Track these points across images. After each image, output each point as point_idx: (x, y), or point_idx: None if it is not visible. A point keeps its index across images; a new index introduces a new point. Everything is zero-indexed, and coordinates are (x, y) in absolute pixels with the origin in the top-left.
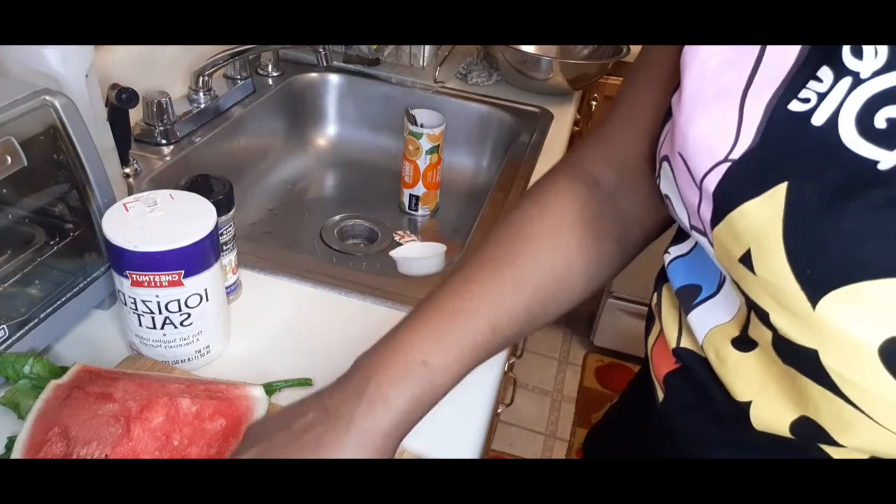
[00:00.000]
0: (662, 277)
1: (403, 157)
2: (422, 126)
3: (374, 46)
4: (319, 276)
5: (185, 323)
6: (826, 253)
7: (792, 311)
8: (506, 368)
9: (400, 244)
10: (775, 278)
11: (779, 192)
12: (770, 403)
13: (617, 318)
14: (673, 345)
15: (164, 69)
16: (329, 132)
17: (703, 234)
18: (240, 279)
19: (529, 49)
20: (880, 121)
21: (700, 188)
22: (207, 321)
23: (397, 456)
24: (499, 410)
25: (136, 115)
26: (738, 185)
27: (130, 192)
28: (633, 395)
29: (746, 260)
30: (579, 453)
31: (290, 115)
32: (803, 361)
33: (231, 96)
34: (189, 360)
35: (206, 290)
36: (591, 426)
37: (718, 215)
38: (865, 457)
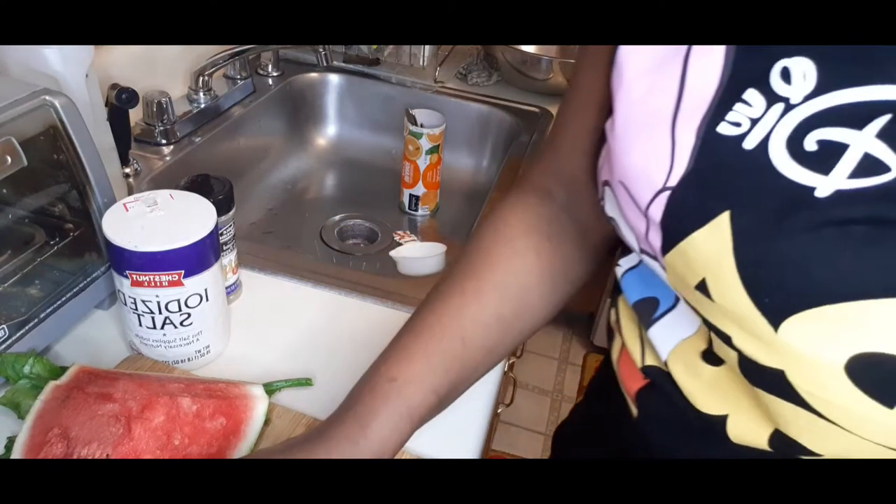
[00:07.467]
0: (617, 290)
1: (403, 157)
2: (422, 126)
3: (374, 46)
4: (319, 276)
5: (185, 323)
6: (780, 280)
7: (755, 335)
8: (506, 368)
9: (400, 244)
10: (734, 306)
11: (723, 222)
12: (745, 418)
13: None
14: (639, 363)
15: (164, 69)
16: (329, 132)
17: (654, 258)
18: (240, 279)
19: (529, 49)
20: (810, 143)
21: (646, 216)
22: (207, 321)
23: (398, 456)
24: (499, 410)
25: (136, 115)
26: (684, 215)
27: (130, 192)
28: (599, 398)
29: (702, 287)
30: None
31: (290, 115)
32: (771, 381)
33: (231, 96)
34: (189, 360)
35: (206, 290)
36: (559, 426)
37: (668, 244)
38: None
